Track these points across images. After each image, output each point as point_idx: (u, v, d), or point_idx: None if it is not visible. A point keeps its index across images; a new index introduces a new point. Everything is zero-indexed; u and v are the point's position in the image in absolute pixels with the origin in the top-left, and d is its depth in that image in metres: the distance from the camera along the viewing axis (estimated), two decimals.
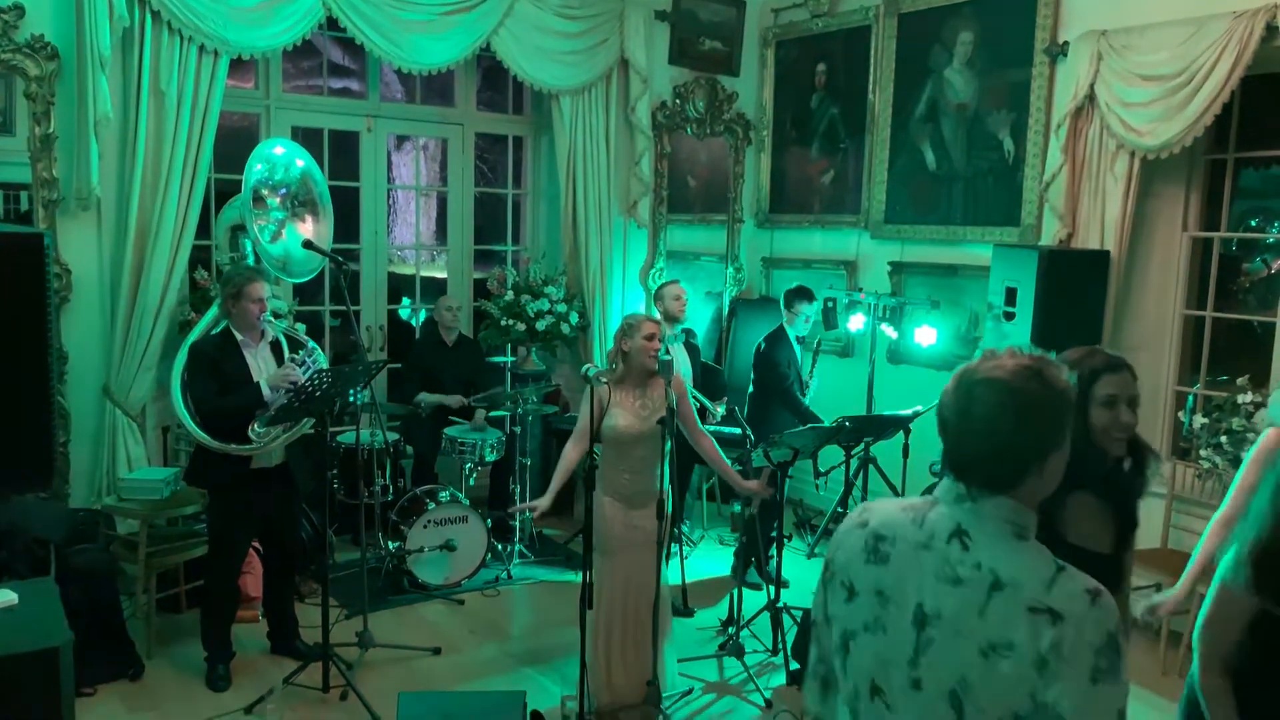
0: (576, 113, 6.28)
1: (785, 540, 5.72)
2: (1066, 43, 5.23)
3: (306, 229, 4.76)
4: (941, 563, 1.51)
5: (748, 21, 6.99)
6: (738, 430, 5.15)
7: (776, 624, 4.66)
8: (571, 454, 3.92)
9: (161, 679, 4.21)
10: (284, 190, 4.73)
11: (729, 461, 4.21)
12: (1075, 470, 1.88)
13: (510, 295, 6.24)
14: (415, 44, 5.58)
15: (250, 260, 4.69)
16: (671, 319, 5.57)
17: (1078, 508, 2.13)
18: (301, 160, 4.77)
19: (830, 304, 6.25)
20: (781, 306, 5.70)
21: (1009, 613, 1.43)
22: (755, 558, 5.33)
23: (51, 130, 4.72)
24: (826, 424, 5.03)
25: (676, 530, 5.17)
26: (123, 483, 4.66)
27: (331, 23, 5.36)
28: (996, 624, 1.44)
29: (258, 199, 4.60)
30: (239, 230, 4.80)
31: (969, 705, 1.46)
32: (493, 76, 6.67)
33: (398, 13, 5.48)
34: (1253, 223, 5.21)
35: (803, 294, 5.61)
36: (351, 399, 4.34)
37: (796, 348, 5.60)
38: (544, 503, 3.93)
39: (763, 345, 5.62)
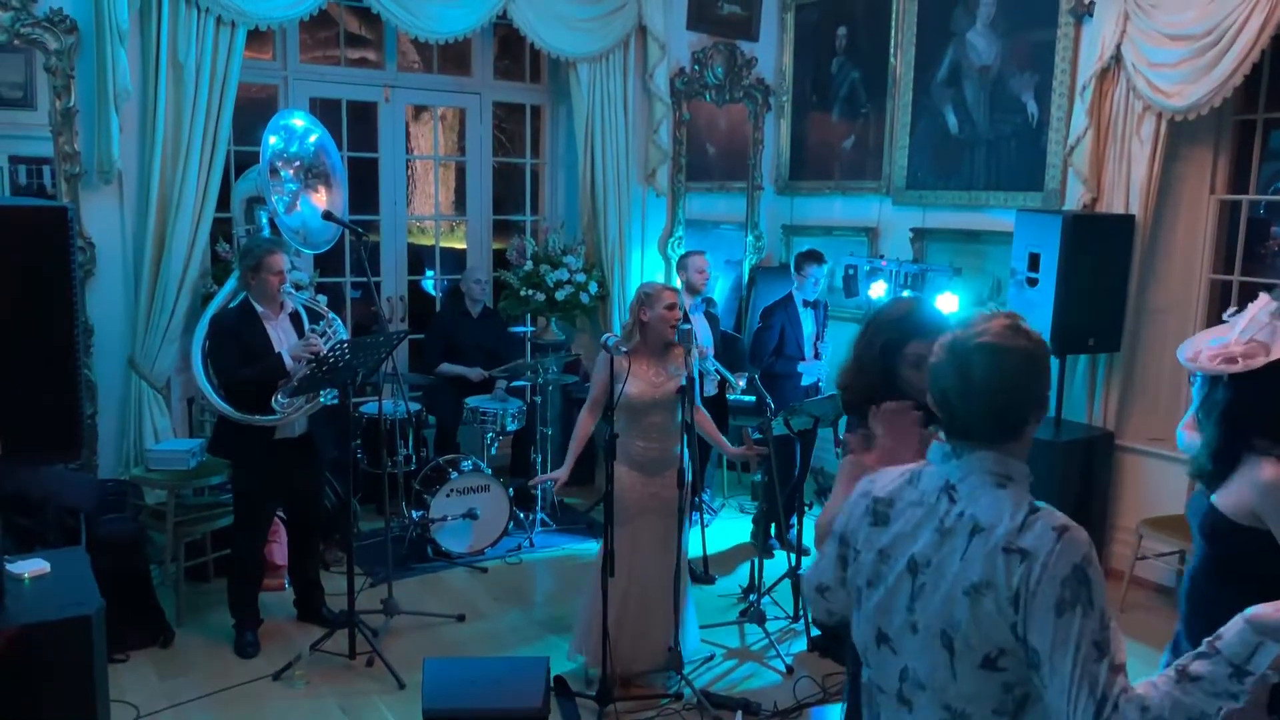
0: (594, 80, 6.24)
1: (806, 508, 5.73)
2: (1092, 2, 5.12)
3: (320, 200, 4.78)
4: (933, 516, 1.63)
5: None
6: (752, 399, 5.16)
7: (797, 591, 4.68)
8: (585, 422, 3.96)
9: (191, 646, 4.29)
10: (297, 162, 4.74)
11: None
12: None
13: (530, 265, 6.24)
14: (431, 12, 5.55)
15: (265, 232, 4.70)
16: (693, 290, 5.56)
17: None
18: (316, 133, 4.77)
19: (851, 271, 6.21)
20: (791, 270, 5.68)
21: (986, 554, 1.53)
22: (776, 524, 5.35)
23: (72, 104, 4.74)
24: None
25: (698, 499, 5.20)
26: (150, 454, 4.72)
27: None
28: (975, 565, 1.53)
29: (272, 171, 4.61)
30: (255, 202, 4.82)
31: (958, 642, 1.55)
32: (510, 45, 6.63)
33: None
34: None
35: (812, 257, 5.59)
36: (375, 378, 4.37)
37: (807, 313, 5.57)
38: (563, 473, 4.03)
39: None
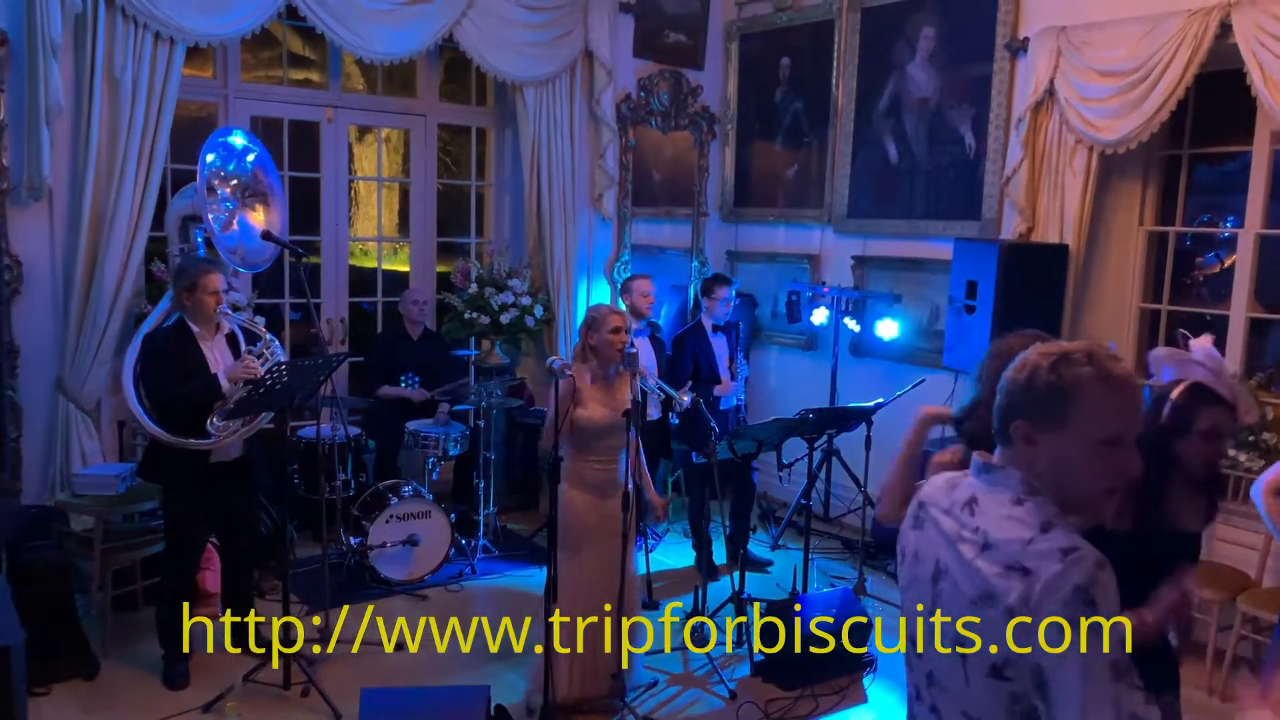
0: (540, 104, 6.25)
1: (750, 532, 5.75)
2: (1027, 38, 5.28)
3: (258, 219, 4.69)
4: (956, 525, 1.65)
5: (711, 14, 7.00)
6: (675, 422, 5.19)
7: (741, 615, 4.67)
8: (548, 445, 3.90)
9: (118, 678, 4.14)
10: (235, 180, 4.65)
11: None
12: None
13: (474, 288, 6.20)
14: (376, 33, 5.52)
15: (201, 251, 4.61)
16: (637, 314, 5.57)
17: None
18: (254, 151, 4.70)
19: (794, 297, 6.28)
20: (700, 297, 5.76)
21: (991, 570, 1.54)
22: (738, 543, 5.35)
23: (1, 118, 4.61)
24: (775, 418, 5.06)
25: (642, 523, 5.18)
26: (77, 478, 4.58)
27: (291, 11, 5.29)
28: (981, 580, 1.55)
29: (209, 188, 4.52)
30: (190, 221, 4.72)
31: (967, 653, 1.58)
32: (456, 68, 6.62)
33: (359, 1, 5.42)
34: (1204, 218, 5.31)
35: (718, 280, 5.71)
36: (313, 402, 4.29)
37: (718, 338, 5.62)
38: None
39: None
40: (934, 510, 1.72)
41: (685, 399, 4.83)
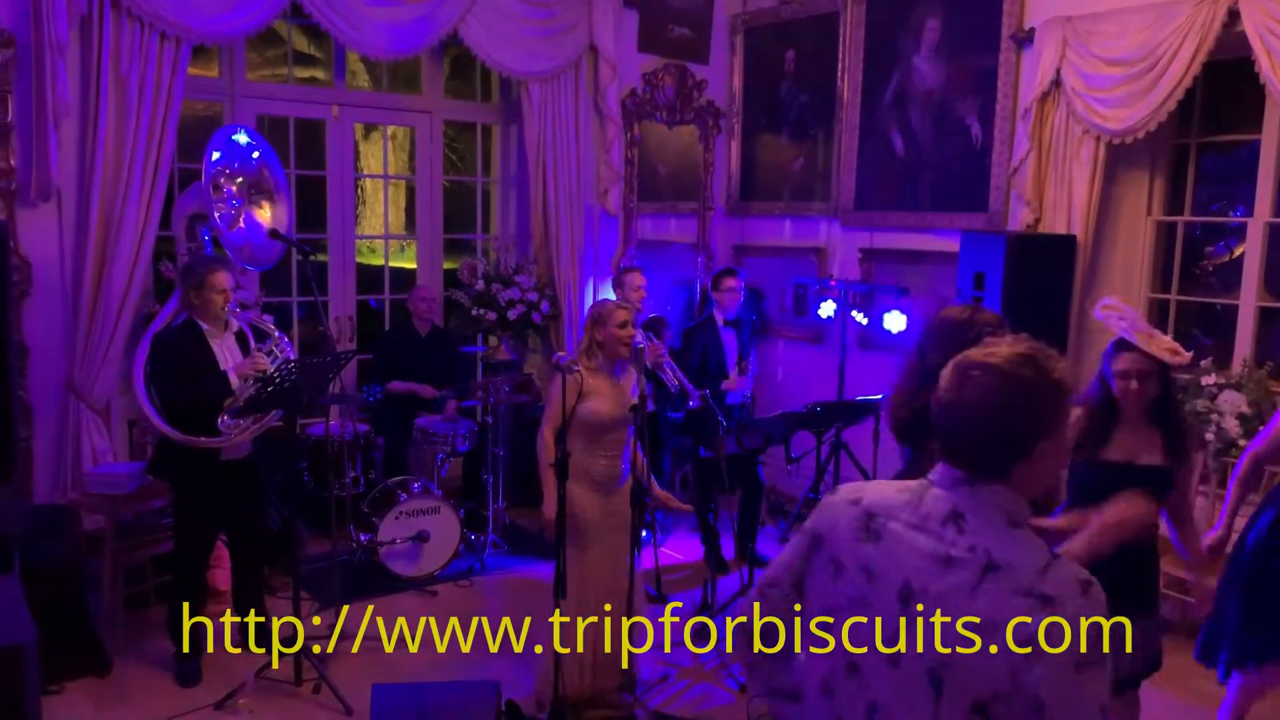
0: (545, 100, 6.24)
1: (758, 528, 5.74)
2: (1033, 29, 5.25)
3: (264, 216, 4.70)
4: (936, 543, 1.52)
5: (716, 8, 6.98)
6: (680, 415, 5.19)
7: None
8: (550, 438, 3.88)
9: (130, 675, 4.17)
10: (240, 178, 4.66)
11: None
12: None
13: (481, 285, 6.20)
14: (381, 30, 5.52)
15: (209, 250, 4.63)
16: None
17: None
18: (259, 149, 4.70)
19: (802, 291, 6.27)
20: (709, 291, 5.74)
21: (1001, 595, 1.44)
22: (738, 541, 5.34)
23: (8, 119, 4.63)
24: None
25: (650, 517, 5.18)
26: (88, 477, 4.60)
27: (296, 9, 5.28)
28: (987, 605, 1.45)
29: (215, 186, 4.53)
30: (197, 220, 4.73)
31: (949, 682, 1.46)
32: (461, 65, 6.62)
33: None
34: (1214, 207, 5.28)
35: (727, 272, 5.69)
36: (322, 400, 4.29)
37: (728, 333, 5.62)
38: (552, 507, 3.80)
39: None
40: (894, 524, 1.58)
41: (695, 397, 4.83)
